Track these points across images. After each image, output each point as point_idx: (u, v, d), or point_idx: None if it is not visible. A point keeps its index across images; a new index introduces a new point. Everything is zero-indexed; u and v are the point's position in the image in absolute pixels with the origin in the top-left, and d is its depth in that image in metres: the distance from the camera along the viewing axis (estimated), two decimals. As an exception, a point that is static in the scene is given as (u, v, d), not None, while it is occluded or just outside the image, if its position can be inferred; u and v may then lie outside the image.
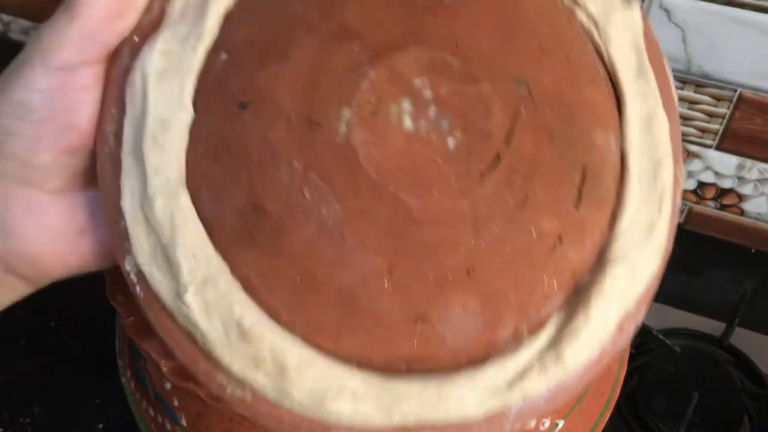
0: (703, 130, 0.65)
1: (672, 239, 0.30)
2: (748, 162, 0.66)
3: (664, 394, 0.57)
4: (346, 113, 0.26)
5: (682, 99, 0.64)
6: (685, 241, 0.73)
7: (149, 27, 0.28)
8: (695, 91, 0.63)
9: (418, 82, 0.27)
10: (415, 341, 0.26)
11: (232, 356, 0.26)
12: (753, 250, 0.71)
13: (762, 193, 0.68)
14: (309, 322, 0.27)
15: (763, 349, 0.61)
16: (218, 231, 0.27)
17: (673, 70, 0.62)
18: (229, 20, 0.28)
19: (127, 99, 0.28)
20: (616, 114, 0.29)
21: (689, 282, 0.69)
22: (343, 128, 0.26)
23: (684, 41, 0.60)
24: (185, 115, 0.27)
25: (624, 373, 0.43)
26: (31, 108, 0.27)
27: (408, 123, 0.27)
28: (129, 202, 0.27)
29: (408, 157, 0.27)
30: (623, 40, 0.30)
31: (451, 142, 0.27)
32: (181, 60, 0.28)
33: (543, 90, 0.28)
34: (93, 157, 0.29)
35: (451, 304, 0.26)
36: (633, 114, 0.29)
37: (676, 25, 0.60)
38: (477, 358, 0.27)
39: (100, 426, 0.59)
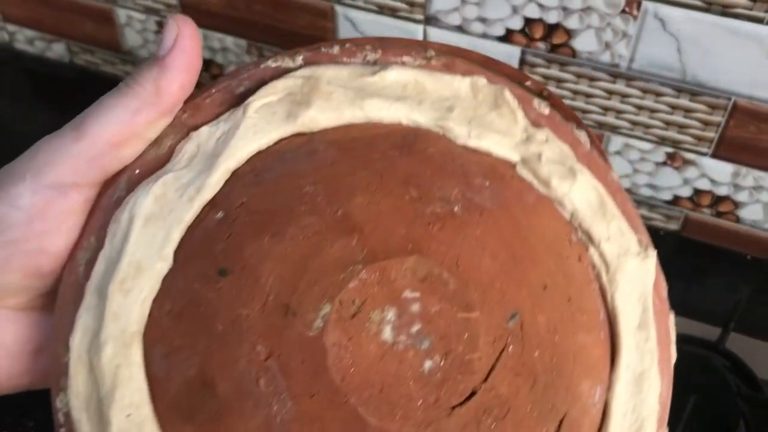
0: (698, 138, 0.66)
1: None
2: (744, 169, 0.67)
3: (661, 398, 0.57)
4: (326, 308, 0.25)
5: (677, 108, 0.65)
6: (682, 248, 0.73)
7: (153, 163, 0.28)
8: (690, 100, 0.64)
9: (408, 293, 0.25)
10: None
11: None
12: (749, 257, 0.72)
13: (757, 201, 0.68)
14: None
15: (759, 353, 0.62)
16: (161, 395, 0.26)
17: (669, 79, 0.63)
18: (236, 178, 0.27)
19: (109, 233, 0.27)
20: (608, 363, 0.28)
21: (685, 288, 0.69)
22: (318, 323, 0.25)
23: (679, 51, 0.61)
24: (162, 265, 0.26)
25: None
26: (9, 225, 0.26)
27: (387, 333, 0.25)
28: (78, 341, 0.26)
29: (379, 370, 0.25)
30: (631, 289, 0.29)
31: (427, 365, 0.25)
32: (174, 208, 0.27)
33: (536, 329, 0.26)
34: (59, 280, 0.27)
35: None
36: (625, 368, 0.28)
37: (671, 34, 0.60)
38: None
39: (104, 430, 0.59)
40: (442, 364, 0.25)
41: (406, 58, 0.30)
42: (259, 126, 0.28)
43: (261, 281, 0.25)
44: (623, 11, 0.61)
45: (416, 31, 0.69)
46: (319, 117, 0.28)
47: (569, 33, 0.64)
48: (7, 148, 0.96)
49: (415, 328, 0.25)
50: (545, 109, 0.30)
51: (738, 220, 0.71)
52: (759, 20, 0.57)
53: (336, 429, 0.25)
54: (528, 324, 0.26)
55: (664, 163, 0.69)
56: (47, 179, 0.26)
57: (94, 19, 0.85)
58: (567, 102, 0.53)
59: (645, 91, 0.65)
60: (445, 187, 0.27)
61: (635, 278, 0.29)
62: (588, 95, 0.67)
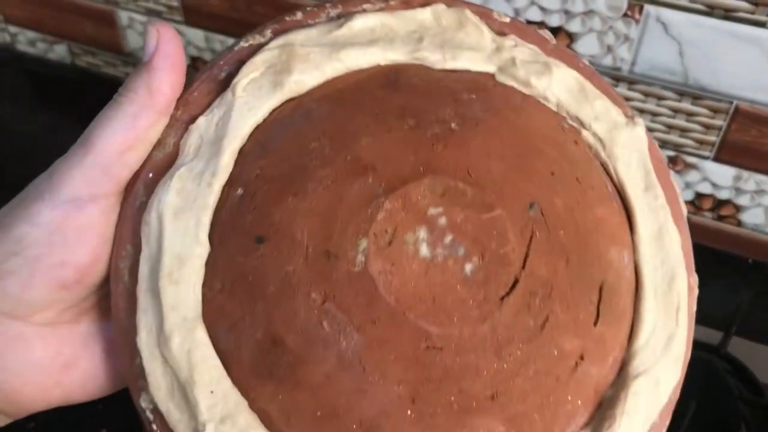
0: (700, 142, 0.66)
1: (690, 348, 0.31)
2: (745, 173, 0.67)
3: (662, 402, 0.57)
4: (363, 243, 0.26)
5: (679, 111, 0.65)
6: (683, 251, 0.73)
7: (163, 163, 0.29)
8: (692, 104, 0.64)
9: (432, 210, 0.27)
10: None
11: None
12: (750, 261, 0.72)
13: (759, 204, 0.68)
14: None
15: (761, 358, 0.62)
16: (235, 365, 0.27)
17: (671, 83, 0.63)
18: (243, 156, 0.29)
19: (143, 237, 0.28)
20: (627, 229, 0.30)
21: (687, 291, 0.69)
22: (360, 258, 0.26)
23: (681, 54, 0.61)
24: (201, 250, 0.28)
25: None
26: (29, 243, 0.27)
27: (425, 251, 0.27)
28: (145, 340, 0.27)
29: (426, 284, 0.27)
30: (630, 157, 0.31)
31: (468, 268, 0.27)
32: (197, 196, 0.28)
33: (555, 212, 0.28)
34: (86, 291, 0.28)
35: (476, 430, 0.26)
36: (644, 228, 0.30)
37: (674, 38, 0.60)
38: None
39: (104, 431, 0.59)
40: (480, 263, 0.27)
41: (366, 6, 0.31)
42: (250, 102, 0.29)
43: (297, 237, 0.27)
44: (625, 15, 0.61)
45: (418, 34, 0.69)
46: (304, 79, 0.29)
47: (571, 36, 0.64)
48: (8, 149, 0.97)
49: (448, 239, 0.27)
50: (506, 18, 0.32)
51: (739, 223, 0.70)
52: (761, 24, 0.57)
53: (404, 346, 0.26)
54: (547, 209, 0.28)
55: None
56: (64, 195, 0.27)
57: (95, 20, 0.85)
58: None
59: (647, 94, 0.65)
60: (438, 110, 0.29)
61: (630, 147, 0.31)
62: (590, 98, 0.67)
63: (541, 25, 0.64)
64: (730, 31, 0.58)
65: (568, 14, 0.62)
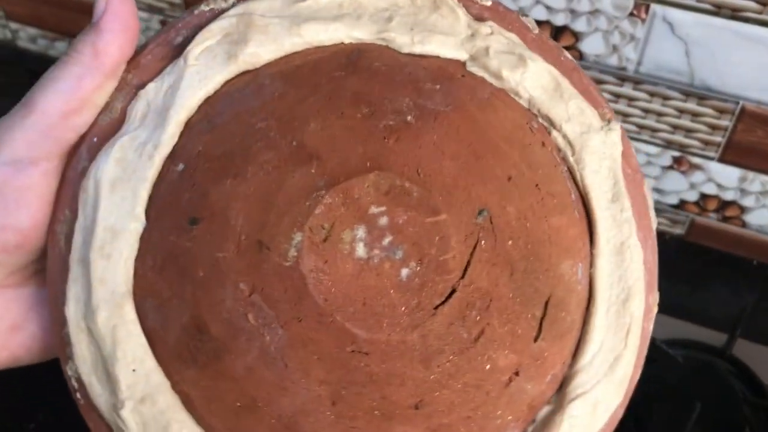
0: (705, 143, 0.66)
1: (639, 370, 0.30)
2: (750, 174, 0.66)
3: (666, 404, 0.57)
4: (297, 237, 0.26)
5: (685, 111, 0.64)
6: (688, 252, 0.73)
7: (108, 128, 0.28)
8: (698, 104, 0.63)
9: (374, 209, 0.26)
10: None
11: None
12: (755, 262, 0.71)
13: (764, 206, 0.68)
14: None
15: (765, 360, 0.62)
16: (161, 345, 0.27)
17: (676, 83, 0.62)
18: (189, 128, 0.28)
19: (80, 204, 0.27)
20: (587, 240, 0.29)
21: (692, 293, 0.69)
22: (292, 253, 0.26)
23: (687, 54, 0.61)
24: (136, 224, 0.27)
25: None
26: None
27: (361, 250, 0.26)
28: (73, 310, 0.27)
29: (358, 286, 0.26)
30: (600, 164, 0.29)
31: (404, 273, 0.26)
32: (136, 168, 0.27)
33: (507, 221, 0.27)
34: (30, 255, 0.28)
35: None
36: (605, 242, 0.28)
37: (680, 38, 0.60)
38: None
39: None
40: (418, 269, 0.26)
41: None
42: (202, 72, 0.28)
43: (231, 223, 0.26)
44: (631, 14, 0.60)
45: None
46: (260, 51, 0.28)
47: (576, 36, 0.63)
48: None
49: (387, 240, 0.26)
50: (487, 1, 0.30)
51: (744, 224, 0.70)
52: (768, 24, 0.57)
53: (329, 347, 0.26)
54: (497, 216, 0.27)
55: (671, 167, 0.69)
56: (3, 157, 0.26)
57: (97, 17, 0.85)
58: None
59: (652, 94, 0.64)
60: (396, 99, 0.27)
61: (602, 153, 0.29)
62: (594, 98, 0.67)
63: (546, 24, 0.64)
64: (736, 31, 0.58)
65: (573, 13, 0.62)
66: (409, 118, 0.27)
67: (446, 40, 0.29)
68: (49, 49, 0.93)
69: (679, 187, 0.70)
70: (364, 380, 0.26)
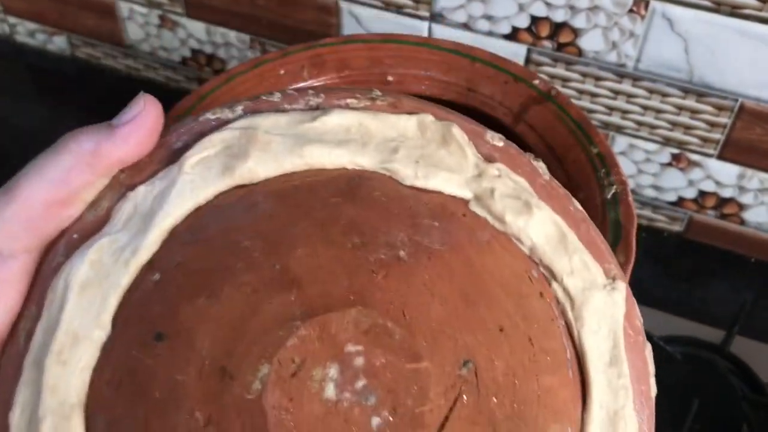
0: (704, 140, 0.66)
1: None
2: (749, 171, 0.66)
3: (665, 401, 0.57)
4: (264, 369, 0.24)
5: (683, 108, 0.64)
6: (686, 250, 0.73)
7: (91, 226, 0.27)
8: (697, 101, 0.63)
9: (351, 347, 0.24)
10: None
11: None
12: (753, 260, 0.72)
13: (762, 203, 0.68)
14: None
15: (764, 357, 0.62)
16: None
17: (676, 80, 0.62)
18: (173, 237, 0.27)
19: (46, 302, 0.26)
20: (579, 404, 0.27)
21: (690, 290, 0.69)
22: (257, 385, 0.24)
23: (686, 51, 0.61)
24: (100, 332, 0.25)
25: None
26: None
27: (330, 391, 0.24)
28: (18, 417, 0.25)
29: (323, 429, 0.24)
30: (599, 324, 0.28)
31: (375, 422, 0.24)
32: (110, 273, 0.26)
33: (493, 376, 0.25)
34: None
35: None
36: (598, 408, 0.27)
37: (679, 35, 0.60)
38: None
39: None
40: (391, 419, 0.24)
41: (350, 101, 0.29)
42: (196, 182, 0.27)
43: (197, 345, 0.24)
44: (631, 11, 0.60)
45: (421, 28, 0.69)
46: (258, 168, 0.27)
47: (576, 32, 0.63)
48: (7, 141, 0.96)
49: (360, 383, 0.24)
50: (499, 142, 0.29)
51: (743, 222, 0.70)
52: None
53: None
54: (483, 370, 0.25)
55: (669, 164, 0.69)
56: None
57: (95, 12, 0.85)
58: (572, 101, 0.53)
59: (651, 91, 0.64)
60: (391, 232, 0.26)
61: (603, 312, 0.28)
62: (593, 95, 0.67)
63: (546, 20, 0.63)
64: (736, 28, 0.58)
65: (573, 9, 0.62)
66: (401, 253, 0.26)
67: (451, 177, 0.28)
68: (48, 44, 0.92)
69: (677, 184, 0.70)
70: None
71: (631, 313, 0.29)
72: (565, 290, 0.28)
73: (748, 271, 0.71)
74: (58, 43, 0.92)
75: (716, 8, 0.57)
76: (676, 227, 0.74)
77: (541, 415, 0.26)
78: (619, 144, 0.69)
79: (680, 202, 0.71)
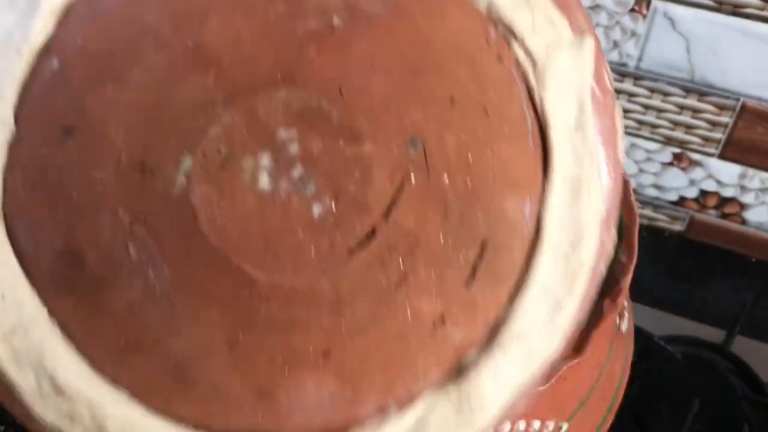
0: (705, 139, 0.66)
1: (582, 317, 0.26)
2: (750, 171, 0.66)
3: (665, 401, 0.57)
4: (187, 162, 0.22)
5: (685, 108, 0.64)
6: (687, 249, 0.73)
7: None
8: (698, 100, 0.63)
9: (283, 133, 0.22)
10: (260, 414, 0.23)
11: (45, 408, 0.23)
12: (754, 259, 0.71)
13: (763, 203, 0.68)
14: (136, 380, 0.23)
15: (764, 357, 0.62)
16: (35, 269, 0.23)
17: (677, 79, 0.62)
18: (68, 15, 0.23)
19: None
20: (540, 174, 0.25)
21: (691, 290, 0.69)
22: (181, 180, 0.22)
23: (688, 50, 0.61)
24: (4, 130, 0.23)
25: (627, 378, 0.43)
26: None
27: (264, 182, 0.22)
28: None
29: (259, 223, 0.22)
30: (565, 86, 0.25)
31: (316, 211, 0.23)
32: (3, 64, 0.23)
33: (444, 152, 0.23)
34: None
35: (302, 383, 0.23)
36: (560, 176, 0.25)
37: (681, 34, 0.60)
38: (333, 430, 0.24)
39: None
40: (333, 207, 0.23)
41: None
42: None
43: (110, 138, 0.22)
44: (632, 10, 0.60)
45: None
46: None
47: (577, 31, 0.63)
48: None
49: (297, 172, 0.23)
50: None
51: (744, 221, 0.70)
52: (769, 21, 0.57)
53: (222, 290, 0.23)
54: (433, 148, 0.23)
55: (671, 164, 0.69)
56: None
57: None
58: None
59: (653, 90, 0.64)
60: None
61: (569, 73, 0.25)
62: (595, 94, 0.67)
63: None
64: (738, 27, 0.58)
65: (574, 9, 0.62)
66: (335, 20, 0.23)
67: None
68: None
69: (678, 183, 0.70)
70: (264, 326, 0.23)
71: (600, 72, 0.26)
72: (527, 51, 0.25)
73: (748, 271, 0.71)
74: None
75: (718, 7, 0.57)
76: (677, 227, 0.74)
77: (498, 189, 0.24)
78: (620, 143, 0.69)
79: (681, 201, 0.71)
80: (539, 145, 0.25)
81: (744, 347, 0.62)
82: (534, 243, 0.25)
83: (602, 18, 0.61)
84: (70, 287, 0.23)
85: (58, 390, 0.23)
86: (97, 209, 0.23)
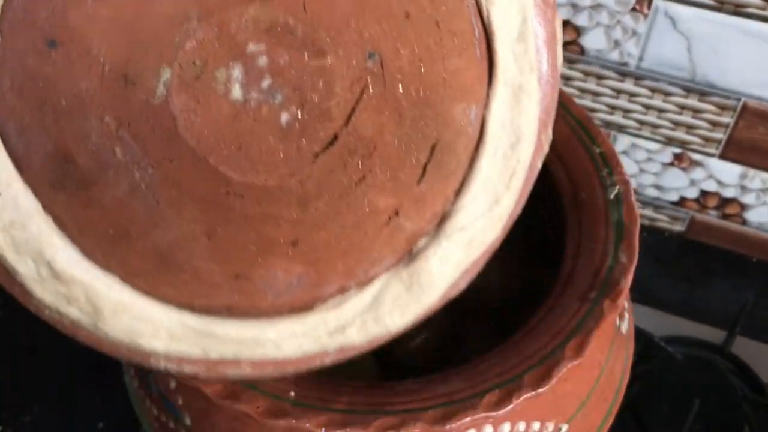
0: (706, 139, 0.65)
1: (517, 209, 0.30)
2: (751, 171, 0.66)
3: (666, 402, 0.57)
4: (166, 74, 0.24)
5: (686, 108, 0.64)
6: (687, 250, 0.73)
7: None
8: (699, 100, 0.63)
9: (252, 47, 0.25)
10: (236, 295, 0.27)
11: (44, 291, 0.27)
12: (754, 260, 0.71)
13: (764, 203, 0.68)
14: (125, 266, 0.27)
15: (765, 358, 0.61)
16: (27, 168, 0.26)
17: (678, 79, 0.62)
18: None
19: None
20: (485, 82, 0.28)
21: (691, 290, 0.69)
22: (161, 90, 0.24)
23: (689, 50, 0.60)
24: None
25: (627, 379, 0.43)
26: None
27: (237, 92, 0.25)
28: None
29: (234, 129, 0.25)
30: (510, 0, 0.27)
31: (284, 118, 0.25)
32: None
33: (399, 65, 0.26)
34: None
35: (273, 269, 0.27)
36: (502, 84, 0.28)
37: (682, 33, 0.60)
38: (301, 308, 0.28)
39: (101, 425, 0.58)
40: (299, 115, 0.25)
41: None
42: None
43: (93, 51, 0.24)
44: (633, 9, 0.60)
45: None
46: None
47: (578, 30, 0.63)
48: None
49: (266, 83, 0.25)
50: None
51: (744, 222, 0.70)
52: (771, 20, 0.57)
53: (201, 189, 0.26)
54: (389, 60, 0.26)
55: (671, 164, 0.69)
56: None
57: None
58: (574, 100, 0.52)
59: (653, 90, 0.64)
60: None
61: None
62: (595, 94, 0.66)
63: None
64: (739, 27, 0.58)
65: (575, 8, 0.62)
66: None
67: None
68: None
69: (679, 183, 0.70)
70: (239, 219, 0.26)
71: None
72: None
73: (749, 272, 0.70)
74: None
75: (719, 7, 0.57)
76: (678, 227, 0.74)
77: (447, 97, 0.27)
78: (621, 143, 0.69)
79: (682, 201, 0.71)
80: (485, 56, 0.27)
81: (744, 348, 0.62)
82: (478, 144, 0.28)
83: (603, 17, 0.61)
84: (62, 185, 0.26)
85: (56, 275, 0.26)
86: (84, 115, 0.25)
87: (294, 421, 0.32)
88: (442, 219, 0.28)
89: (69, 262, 0.26)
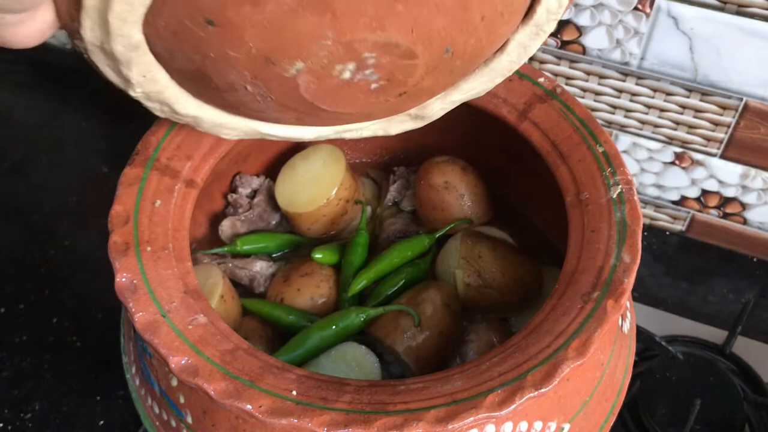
0: (707, 139, 0.65)
1: None
2: (752, 171, 0.66)
3: (666, 401, 0.57)
4: (299, 65, 0.31)
5: (687, 107, 0.64)
6: (688, 249, 0.73)
7: None
8: (701, 100, 0.63)
9: (367, 55, 0.31)
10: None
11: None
12: (755, 259, 0.71)
13: (765, 203, 0.68)
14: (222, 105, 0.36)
15: (765, 357, 0.61)
16: (168, 67, 0.32)
17: (680, 79, 0.62)
18: None
19: None
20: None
21: (692, 290, 0.69)
22: (292, 71, 0.31)
23: (691, 50, 0.60)
24: None
25: (629, 379, 0.43)
26: None
27: (347, 75, 0.32)
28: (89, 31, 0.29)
29: (336, 90, 0.33)
30: None
31: (373, 86, 0.33)
32: None
33: (466, 49, 0.33)
34: None
35: None
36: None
37: (684, 33, 0.60)
38: None
39: (101, 423, 0.58)
40: (383, 84, 0.33)
41: None
42: None
43: (245, 37, 0.30)
44: (635, 8, 0.60)
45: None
46: None
47: (580, 30, 0.63)
48: (7, 135, 0.95)
49: (369, 71, 0.32)
50: None
51: (745, 221, 0.70)
52: (773, 20, 0.57)
53: (302, 109, 0.34)
54: (459, 49, 0.33)
55: (672, 163, 0.69)
56: None
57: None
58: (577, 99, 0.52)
59: (655, 89, 0.64)
60: None
61: None
62: (597, 93, 0.66)
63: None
64: (742, 26, 0.57)
65: (577, 7, 0.62)
66: None
67: None
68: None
69: (680, 183, 0.70)
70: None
71: None
72: None
73: (750, 271, 0.71)
74: (59, 36, 0.91)
75: (722, 7, 0.57)
76: (679, 226, 0.74)
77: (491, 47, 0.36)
78: (622, 142, 0.69)
79: (683, 201, 0.71)
80: None
81: (745, 348, 0.62)
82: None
83: (605, 16, 0.61)
84: (197, 87, 0.34)
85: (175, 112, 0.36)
86: (228, 65, 0.31)
87: (296, 420, 0.32)
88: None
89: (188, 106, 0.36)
